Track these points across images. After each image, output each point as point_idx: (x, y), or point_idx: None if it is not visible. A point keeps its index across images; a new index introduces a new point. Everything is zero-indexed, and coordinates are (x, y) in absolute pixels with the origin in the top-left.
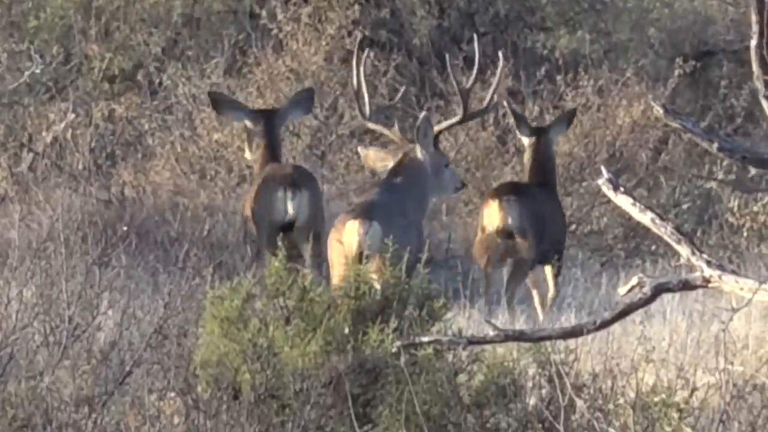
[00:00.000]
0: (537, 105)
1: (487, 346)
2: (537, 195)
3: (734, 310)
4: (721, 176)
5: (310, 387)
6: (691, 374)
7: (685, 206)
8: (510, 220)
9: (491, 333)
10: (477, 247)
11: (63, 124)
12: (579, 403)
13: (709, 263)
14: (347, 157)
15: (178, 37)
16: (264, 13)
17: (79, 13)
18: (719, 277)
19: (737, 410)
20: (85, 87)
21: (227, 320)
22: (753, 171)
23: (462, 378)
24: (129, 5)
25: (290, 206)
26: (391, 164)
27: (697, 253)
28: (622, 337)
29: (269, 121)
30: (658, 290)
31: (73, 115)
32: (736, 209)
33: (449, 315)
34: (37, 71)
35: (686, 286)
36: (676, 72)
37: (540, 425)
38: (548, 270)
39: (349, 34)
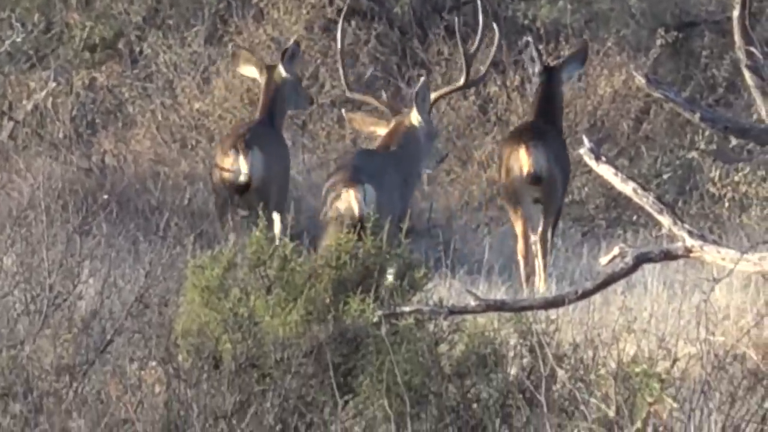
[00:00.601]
0: (518, 74)
1: (468, 316)
2: (556, 137)
3: (715, 281)
4: (702, 146)
5: (291, 356)
6: (673, 345)
7: (666, 176)
8: (538, 165)
9: (472, 303)
10: (504, 193)
11: (44, 93)
12: (560, 373)
13: (690, 233)
14: (328, 126)
15: (158, 5)
16: None
17: None
18: (701, 247)
19: (718, 380)
20: (65, 56)
21: (208, 289)
22: (734, 141)
23: (443, 348)
24: None
25: (242, 167)
26: (380, 130)
27: (679, 223)
28: (603, 307)
29: (269, 75)
30: (640, 260)
31: (53, 84)
32: (717, 179)
33: (430, 285)
34: (18, 40)
35: (668, 256)
36: (658, 42)
37: (521, 395)
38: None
39: (330, 2)
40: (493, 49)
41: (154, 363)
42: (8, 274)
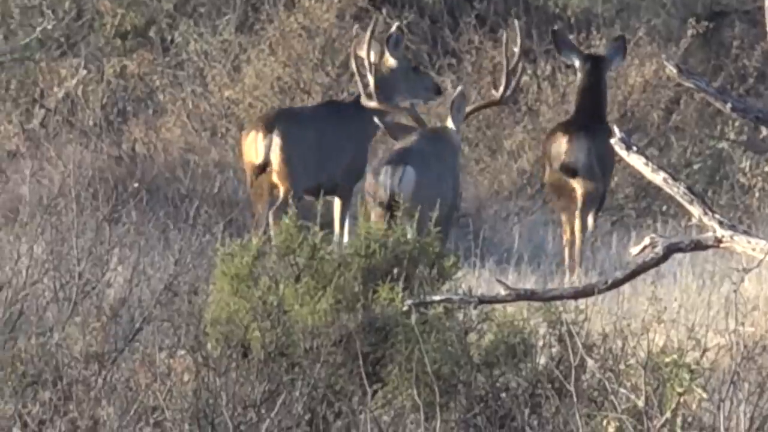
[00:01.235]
0: (549, 64)
1: (497, 306)
2: (600, 130)
3: (745, 271)
4: (732, 136)
5: (320, 345)
6: (702, 335)
7: (696, 166)
8: (576, 158)
9: (502, 292)
10: (548, 183)
11: (74, 80)
12: (589, 363)
13: (721, 223)
14: None
15: None
16: None
17: None
18: (731, 237)
19: (747, 371)
20: (96, 43)
21: (237, 278)
22: (765, 131)
23: (472, 337)
24: None
25: (261, 148)
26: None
27: (710, 213)
28: (633, 297)
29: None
30: (670, 250)
31: (84, 72)
32: (747, 169)
33: (459, 274)
34: (49, 27)
35: (698, 246)
36: (689, 32)
37: (550, 385)
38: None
39: None
40: (518, 52)
41: (183, 351)
42: (38, 261)
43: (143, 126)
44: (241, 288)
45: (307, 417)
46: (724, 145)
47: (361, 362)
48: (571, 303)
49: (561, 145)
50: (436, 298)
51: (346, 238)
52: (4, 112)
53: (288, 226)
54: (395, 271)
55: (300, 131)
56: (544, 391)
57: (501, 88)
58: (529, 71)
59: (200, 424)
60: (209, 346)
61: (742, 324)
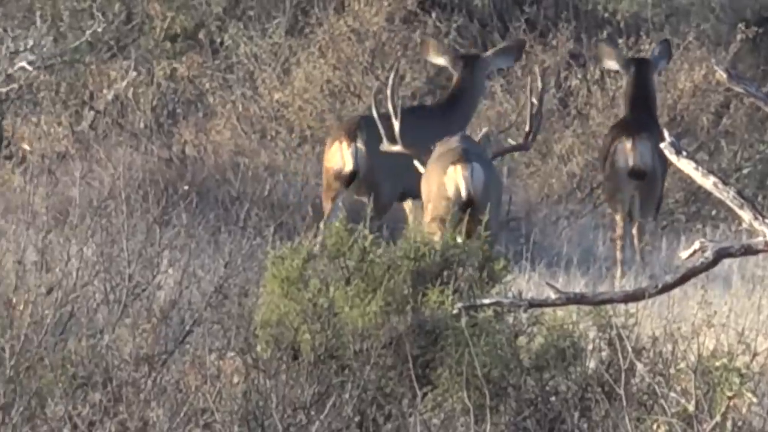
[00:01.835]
0: (598, 68)
1: (547, 309)
2: (657, 131)
3: None
4: None
5: (369, 348)
6: (752, 339)
7: (746, 171)
8: (643, 160)
9: (552, 296)
10: (607, 184)
11: (124, 83)
12: (639, 366)
13: None
14: None
15: None
16: None
17: None
18: None
19: None
20: (146, 46)
21: (288, 280)
22: None
23: (522, 340)
24: None
25: (348, 157)
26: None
27: (760, 217)
28: (683, 301)
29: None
30: (720, 255)
31: (134, 74)
32: None
33: (510, 277)
34: (99, 29)
35: (748, 250)
36: (738, 37)
37: (600, 389)
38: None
39: None
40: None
41: (233, 353)
42: (88, 263)
43: (193, 128)
44: (292, 290)
45: (356, 419)
46: None
47: (411, 365)
48: (621, 306)
49: (625, 147)
50: (486, 301)
51: None
52: (54, 114)
53: (338, 229)
54: (445, 273)
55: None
56: (594, 395)
57: (526, 132)
58: (579, 75)
59: (250, 426)
60: (259, 348)
61: None
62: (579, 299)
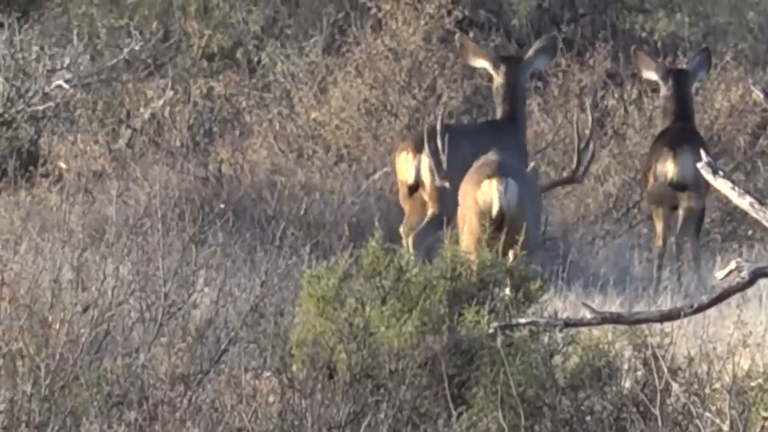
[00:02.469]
0: (636, 88)
1: (583, 329)
2: (701, 145)
3: None
4: None
5: (405, 367)
6: None
7: None
8: (685, 172)
9: (588, 315)
10: (649, 198)
11: (161, 101)
12: (675, 386)
13: None
14: None
15: (277, 15)
16: None
17: None
18: None
19: None
20: (183, 64)
21: (324, 299)
22: None
23: (557, 360)
24: None
25: (412, 169)
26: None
27: None
28: (718, 321)
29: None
30: (757, 275)
31: (171, 92)
32: None
33: (545, 297)
34: (136, 48)
35: None
36: None
37: (635, 408)
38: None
39: (449, 13)
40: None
41: (268, 373)
42: (124, 282)
43: (230, 147)
44: (327, 310)
45: None
46: None
47: (446, 384)
48: (657, 326)
49: (668, 159)
50: (522, 320)
51: None
52: (91, 132)
53: (374, 249)
54: (481, 293)
55: (451, 151)
56: (629, 415)
57: (574, 167)
58: (616, 95)
59: None
60: (295, 367)
61: None
62: (615, 319)
